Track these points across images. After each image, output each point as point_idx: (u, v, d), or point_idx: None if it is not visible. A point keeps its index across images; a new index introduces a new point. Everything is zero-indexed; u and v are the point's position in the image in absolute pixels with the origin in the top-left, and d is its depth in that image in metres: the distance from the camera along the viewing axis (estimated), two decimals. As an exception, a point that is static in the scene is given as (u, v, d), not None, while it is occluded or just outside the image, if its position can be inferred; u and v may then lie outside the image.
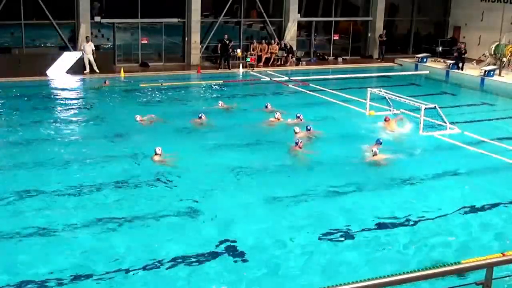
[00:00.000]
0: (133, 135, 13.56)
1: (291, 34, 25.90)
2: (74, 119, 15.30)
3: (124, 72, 21.60)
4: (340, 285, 3.46)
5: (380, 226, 8.94)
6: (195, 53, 24.33)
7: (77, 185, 10.23)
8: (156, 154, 11.52)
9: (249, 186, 10.54)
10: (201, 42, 24.65)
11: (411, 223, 9.11)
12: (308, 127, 13.65)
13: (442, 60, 25.50)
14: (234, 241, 8.23)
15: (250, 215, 9.23)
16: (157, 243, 8.16)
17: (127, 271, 7.43)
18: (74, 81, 20.66)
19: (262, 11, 25.85)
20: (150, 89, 19.57)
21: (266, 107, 15.99)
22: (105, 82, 20.02)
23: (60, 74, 21.28)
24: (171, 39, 24.93)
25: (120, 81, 20.93)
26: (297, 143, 12.39)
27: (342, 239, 8.50)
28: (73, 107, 16.91)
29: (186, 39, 24.37)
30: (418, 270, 3.77)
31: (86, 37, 21.88)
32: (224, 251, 7.99)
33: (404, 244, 8.40)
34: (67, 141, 13.14)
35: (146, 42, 24.17)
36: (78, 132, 14.02)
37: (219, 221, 8.98)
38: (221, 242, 8.19)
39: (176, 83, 20.63)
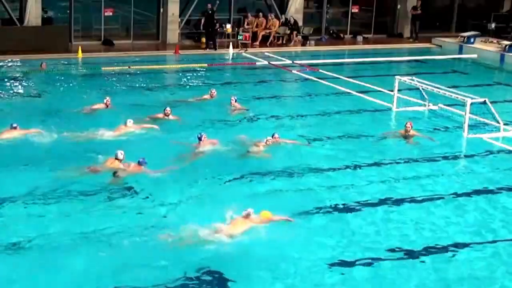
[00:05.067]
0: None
1: (296, 5, 25.83)
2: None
3: (82, 52, 21.60)
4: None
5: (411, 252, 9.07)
6: (173, 29, 24.23)
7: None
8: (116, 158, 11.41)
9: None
10: (181, 15, 24.50)
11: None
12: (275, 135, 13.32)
13: (495, 41, 25.14)
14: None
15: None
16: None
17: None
18: None
19: (260, -24, 26.26)
20: (114, 73, 19.61)
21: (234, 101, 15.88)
22: (41, 65, 19.66)
23: None
24: (141, 11, 24.85)
25: (77, 63, 20.91)
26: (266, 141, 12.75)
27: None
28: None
29: (161, 11, 24.27)
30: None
31: None
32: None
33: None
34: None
35: (110, 14, 24.03)
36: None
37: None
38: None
39: (148, 66, 20.71)
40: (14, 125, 13.11)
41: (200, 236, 8.82)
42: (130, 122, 13.30)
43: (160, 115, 14.29)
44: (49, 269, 8.16)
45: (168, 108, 14.27)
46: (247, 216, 9.15)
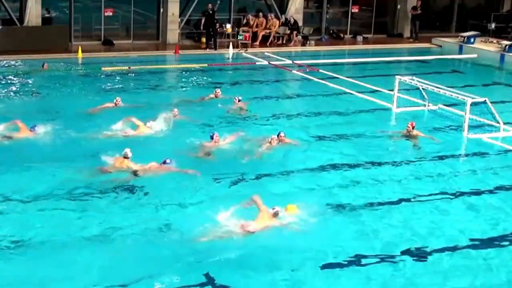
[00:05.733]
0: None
1: (296, 5, 25.84)
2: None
3: (82, 52, 21.68)
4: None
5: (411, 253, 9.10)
6: (173, 29, 24.26)
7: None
8: (125, 157, 11.42)
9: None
10: (181, 15, 24.54)
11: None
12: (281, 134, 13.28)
13: (495, 41, 25.17)
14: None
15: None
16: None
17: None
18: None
19: (260, -24, 26.32)
20: (115, 74, 19.69)
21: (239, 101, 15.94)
22: (43, 66, 19.72)
23: None
24: (141, 11, 24.96)
25: (78, 63, 21.01)
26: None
27: None
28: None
29: (161, 11, 24.33)
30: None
31: None
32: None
33: None
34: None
35: (110, 14, 24.12)
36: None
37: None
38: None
39: (148, 66, 20.75)
40: (35, 126, 13.14)
41: (220, 233, 8.85)
42: (149, 123, 13.40)
43: (169, 116, 14.16)
44: (61, 268, 8.23)
45: (176, 109, 14.30)
46: (276, 214, 9.18)
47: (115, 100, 14.98)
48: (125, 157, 11.21)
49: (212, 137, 12.51)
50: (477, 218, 10.26)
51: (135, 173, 11.07)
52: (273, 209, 9.22)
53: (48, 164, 11.56)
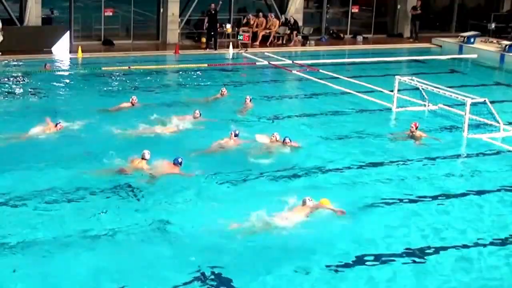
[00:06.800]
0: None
1: (296, 5, 25.85)
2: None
3: (82, 52, 21.75)
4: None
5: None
6: (173, 29, 24.31)
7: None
8: (143, 158, 11.46)
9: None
10: (181, 15, 24.58)
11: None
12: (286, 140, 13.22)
13: (495, 41, 25.17)
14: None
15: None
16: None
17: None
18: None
19: (260, -24, 26.25)
20: (114, 73, 19.77)
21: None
22: (45, 66, 19.75)
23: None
24: (141, 11, 25.02)
25: (78, 63, 21.09)
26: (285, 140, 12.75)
27: None
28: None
29: (161, 11, 24.39)
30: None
31: None
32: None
33: None
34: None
35: (110, 14, 24.19)
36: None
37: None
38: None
39: (148, 66, 20.81)
40: (58, 122, 13.17)
41: (240, 231, 8.93)
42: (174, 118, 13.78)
43: (189, 117, 14.30)
44: (64, 268, 8.22)
45: (197, 111, 14.28)
46: (304, 203, 9.35)
47: (131, 100, 14.97)
48: (143, 158, 11.20)
49: (231, 135, 12.58)
50: (483, 218, 10.22)
51: (151, 174, 11.04)
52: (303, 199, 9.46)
53: (67, 164, 11.51)
